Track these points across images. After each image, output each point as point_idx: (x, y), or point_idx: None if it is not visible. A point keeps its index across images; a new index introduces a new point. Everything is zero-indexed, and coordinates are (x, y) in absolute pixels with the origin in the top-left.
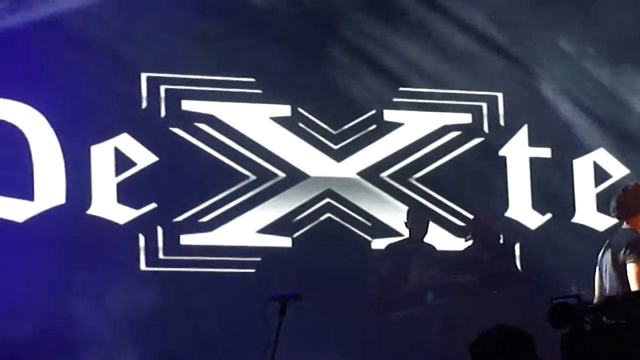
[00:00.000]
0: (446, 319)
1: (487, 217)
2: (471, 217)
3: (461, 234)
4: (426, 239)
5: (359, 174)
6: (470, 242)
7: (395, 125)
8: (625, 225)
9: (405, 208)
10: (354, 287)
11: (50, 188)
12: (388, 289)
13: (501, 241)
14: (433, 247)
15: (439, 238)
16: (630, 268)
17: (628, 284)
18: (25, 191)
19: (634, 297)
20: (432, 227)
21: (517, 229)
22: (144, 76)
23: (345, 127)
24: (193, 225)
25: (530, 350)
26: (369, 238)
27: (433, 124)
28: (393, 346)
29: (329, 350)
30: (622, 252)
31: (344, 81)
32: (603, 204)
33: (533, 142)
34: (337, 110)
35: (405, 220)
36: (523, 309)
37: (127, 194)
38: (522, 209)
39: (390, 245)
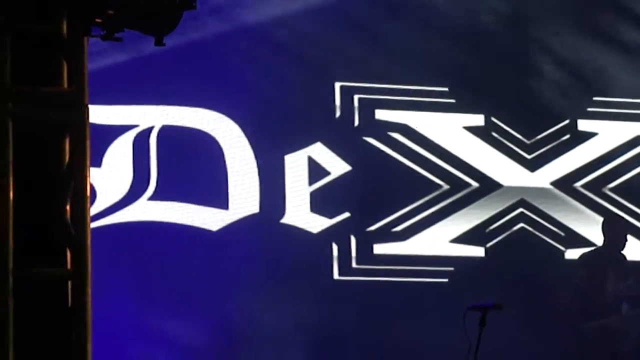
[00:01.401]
0: None
1: None
2: None
3: None
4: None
5: (553, 183)
6: None
7: (589, 135)
8: None
9: (598, 218)
10: (548, 297)
11: (244, 197)
12: (583, 298)
13: None
14: (625, 257)
15: (634, 248)
16: None
17: None
18: (220, 200)
19: None
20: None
21: None
22: (337, 85)
23: (539, 136)
24: (386, 235)
25: None
26: (562, 248)
27: (627, 133)
28: (588, 356)
29: None
30: None
31: (537, 90)
32: None
33: None
34: (530, 119)
35: (603, 229)
36: None
37: (320, 203)
38: None
39: (584, 255)
